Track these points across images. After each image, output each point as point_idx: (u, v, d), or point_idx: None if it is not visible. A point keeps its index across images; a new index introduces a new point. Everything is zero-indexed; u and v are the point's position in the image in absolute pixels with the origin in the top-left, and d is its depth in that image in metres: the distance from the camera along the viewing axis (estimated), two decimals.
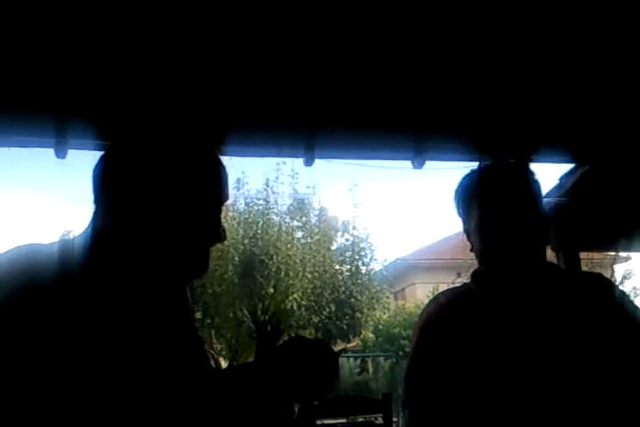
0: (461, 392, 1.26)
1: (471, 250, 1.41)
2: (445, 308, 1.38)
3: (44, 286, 0.88)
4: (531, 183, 1.39)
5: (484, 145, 2.36)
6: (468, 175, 1.42)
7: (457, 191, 1.42)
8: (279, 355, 0.98)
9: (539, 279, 1.32)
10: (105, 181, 0.97)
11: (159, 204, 0.95)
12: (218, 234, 1.02)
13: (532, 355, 1.25)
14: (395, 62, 2.23)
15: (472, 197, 1.37)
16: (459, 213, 1.42)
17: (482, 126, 2.39)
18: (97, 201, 0.98)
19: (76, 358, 0.86)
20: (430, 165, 2.52)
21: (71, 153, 2.27)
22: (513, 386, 1.23)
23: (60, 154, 2.24)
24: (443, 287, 2.06)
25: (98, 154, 1.01)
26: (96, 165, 0.99)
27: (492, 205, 1.33)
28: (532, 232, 1.32)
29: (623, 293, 1.40)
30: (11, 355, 0.85)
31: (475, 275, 1.43)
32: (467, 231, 1.42)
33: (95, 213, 0.98)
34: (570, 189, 2.61)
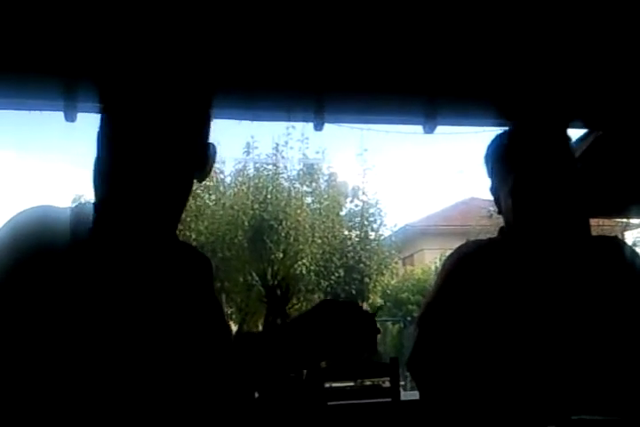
0: (474, 339, 1.28)
1: (499, 213, 1.40)
2: (468, 257, 1.39)
3: (55, 251, 0.88)
4: (566, 145, 1.37)
5: (497, 109, 2.32)
6: (500, 136, 1.40)
7: (489, 153, 1.40)
8: (313, 317, 0.97)
9: (565, 239, 1.32)
10: (100, 137, 0.96)
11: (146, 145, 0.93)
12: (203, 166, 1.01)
13: (548, 310, 1.27)
14: (405, 23, 2.18)
15: (507, 159, 1.35)
16: (490, 175, 1.41)
17: (495, 90, 2.35)
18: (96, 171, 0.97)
19: (81, 324, 0.87)
20: (441, 129, 2.49)
21: (81, 116, 2.26)
22: (526, 337, 1.25)
23: (70, 117, 2.23)
24: None
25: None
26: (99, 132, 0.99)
27: (530, 168, 1.31)
28: (569, 195, 1.32)
29: (636, 254, 1.41)
30: (18, 317, 0.85)
31: (502, 230, 1.43)
32: (496, 194, 1.40)
33: (95, 182, 0.97)
34: (581, 154, 2.59)
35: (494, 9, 2.15)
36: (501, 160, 1.37)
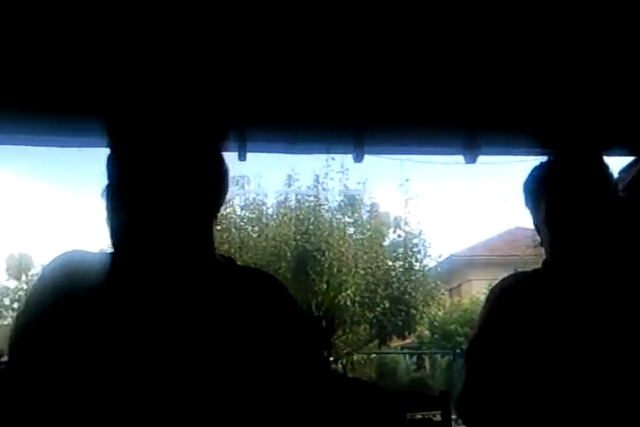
0: (520, 376, 1.27)
1: (541, 244, 1.39)
2: (510, 290, 1.39)
3: (81, 296, 0.93)
4: (604, 174, 1.37)
5: (539, 139, 2.29)
6: (537, 167, 1.41)
7: (526, 183, 1.41)
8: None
9: (607, 268, 1.31)
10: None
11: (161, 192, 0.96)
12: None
13: (593, 339, 1.25)
14: (444, 55, 2.19)
15: (542, 189, 1.36)
16: (527, 205, 1.41)
17: (535, 118, 2.33)
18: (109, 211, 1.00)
19: (118, 356, 0.90)
20: (483, 159, 2.46)
21: None
22: (570, 371, 1.24)
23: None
24: None
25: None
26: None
27: (563, 196, 1.32)
28: (605, 224, 1.31)
29: None
30: (47, 353, 0.90)
31: (545, 263, 1.42)
32: (535, 225, 1.41)
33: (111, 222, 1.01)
34: (629, 183, 2.52)
35: (533, 39, 2.15)
36: (536, 190, 1.38)
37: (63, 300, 0.92)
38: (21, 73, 2.05)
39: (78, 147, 2.43)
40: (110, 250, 0.99)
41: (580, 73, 2.24)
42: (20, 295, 15.63)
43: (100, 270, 0.97)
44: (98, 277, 0.96)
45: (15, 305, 15.74)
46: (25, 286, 15.60)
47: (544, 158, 1.48)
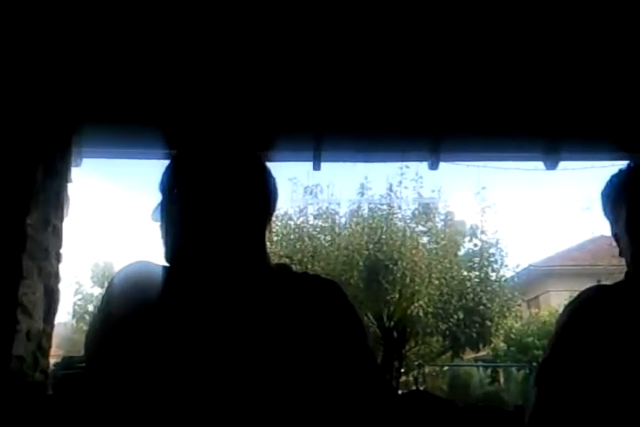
0: (596, 385, 1.20)
1: (620, 254, 1.34)
2: (587, 305, 1.31)
3: (146, 305, 0.97)
4: None
5: (622, 143, 2.20)
6: (617, 174, 1.36)
7: (605, 191, 1.36)
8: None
9: None
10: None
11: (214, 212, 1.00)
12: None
13: None
14: (522, 60, 2.15)
15: (621, 196, 1.30)
16: (606, 214, 1.36)
17: (618, 122, 2.23)
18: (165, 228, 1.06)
19: (182, 363, 0.93)
20: (563, 165, 2.39)
21: None
22: None
23: None
24: None
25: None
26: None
27: None
28: None
29: None
30: (119, 360, 0.94)
31: (628, 275, 1.35)
32: (615, 234, 1.35)
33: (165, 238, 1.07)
34: None
35: (608, 44, 2.08)
36: (616, 197, 1.32)
37: (131, 309, 0.97)
38: (112, 88, 2.16)
39: (161, 159, 2.53)
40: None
41: None
42: None
43: (162, 280, 1.02)
44: (161, 286, 1.00)
45: None
46: None
47: (625, 164, 1.41)
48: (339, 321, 1.06)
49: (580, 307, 1.31)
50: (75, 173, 2.38)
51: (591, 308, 1.29)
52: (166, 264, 1.08)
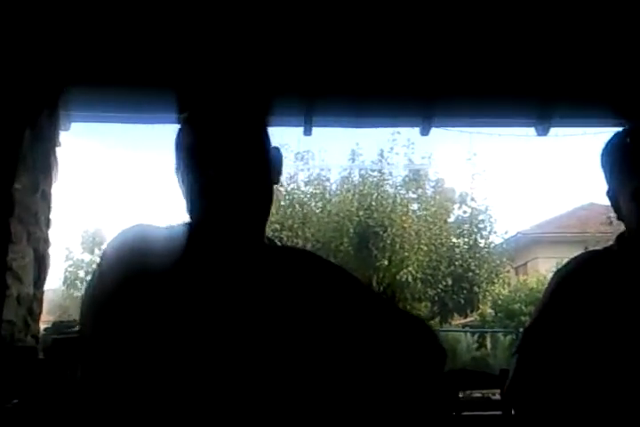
0: (580, 355, 1.19)
1: (618, 218, 1.29)
2: (576, 273, 1.29)
3: (155, 266, 0.93)
4: None
5: (615, 108, 2.18)
6: (620, 133, 1.30)
7: (606, 151, 1.30)
8: None
9: None
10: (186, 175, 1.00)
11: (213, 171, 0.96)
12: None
13: None
14: (513, 25, 2.11)
15: (627, 157, 1.25)
16: (607, 175, 1.30)
17: (613, 87, 2.22)
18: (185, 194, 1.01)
19: (184, 333, 0.89)
20: (555, 131, 2.38)
21: None
22: (633, 362, 1.15)
23: None
24: None
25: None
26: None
27: None
28: None
29: None
30: (122, 331, 0.90)
31: (619, 238, 1.32)
32: (614, 197, 1.30)
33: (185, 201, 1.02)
34: None
35: (602, 9, 2.05)
36: (622, 160, 1.26)
37: (130, 276, 0.93)
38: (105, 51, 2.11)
39: (154, 123, 2.50)
40: (180, 223, 1.01)
41: None
42: (93, 268, 16.40)
43: (166, 245, 0.97)
44: (164, 252, 0.96)
45: (89, 278, 16.51)
46: (98, 260, 16.33)
47: (618, 129, 1.37)
48: (345, 290, 1.04)
49: (568, 275, 1.29)
50: (63, 136, 2.35)
51: (579, 276, 1.27)
52: (170, 225, 1.05)
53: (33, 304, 2.17)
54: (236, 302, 0.94)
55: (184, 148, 1.00)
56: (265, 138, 1.02)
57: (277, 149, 1.05)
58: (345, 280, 1.06)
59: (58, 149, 2.30)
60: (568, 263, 1.33)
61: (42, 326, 2.33)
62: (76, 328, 2.33)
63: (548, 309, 1.27)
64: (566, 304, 1.24)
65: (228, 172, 0.96)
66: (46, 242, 2.26)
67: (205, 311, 0.91)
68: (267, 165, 1.01)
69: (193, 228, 1.00)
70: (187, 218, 1.02)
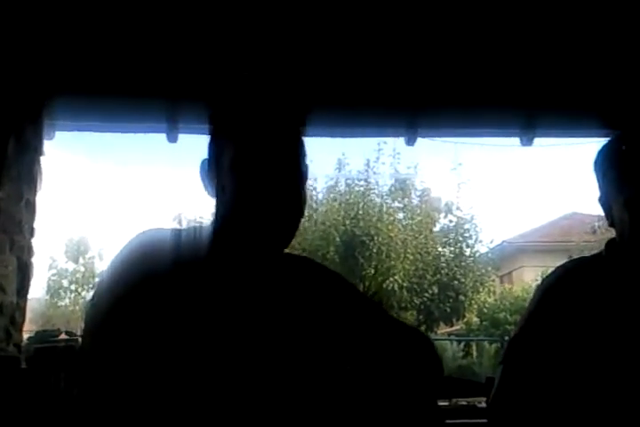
0: (566, 364, 1.18)
1: (610, 225, 1.28)
2: (562, 281, 1.27)
3: (164, 276, 0.90)
4: None
5: (601, 118, 2.21)
6: (615, 139, 1.29)
7: (599, 157, 1.29)
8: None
9: None
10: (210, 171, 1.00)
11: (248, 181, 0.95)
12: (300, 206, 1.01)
13: None
14: (498, 36, 2.14)
15: (621, 163, 1.24)
16: (600, 182, 1.29)
17: (597, 98, 2.25)
18: (215, 194, 0.99)
19: (199, 341, 0.87)
20: (540, 141, 2.40)
21: (182, 137, 2.37)
22: (622, 374, 1.14)
23: (172, 138, 2.35)
24: None
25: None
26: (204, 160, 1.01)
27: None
28: None
29: None
30: (130, 340, 0.88)
31: (609, 244, 1.30)
32: (607, 203, 1.28)
33: (216, 205, 1.00)
34: None
35: (590, 18, 2.08)
36: (616, 168, 1.25)
37: (141, 282, 0.90)
38: (87, 59, 2.11)
39: (142, 132, 2.49)
40: (197, 225, 0.98)
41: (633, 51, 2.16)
42: (77, 277, 16.22)
43: (179, 249, 0.95)
44: (178, 257, 0.93)
45: (73, 287, 16.33)
46: (82, 269, 16.17)
47: (607, 139, 1.37)
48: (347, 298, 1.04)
49: (554, 284, 1.28)
50: (48, 146, 2.33)
51: (565, 285, 1.25)
52: (183, 228, 1.03)
53: (16, 313, 2.15)
54: (248, 310, 0.93)
55: (225, 154, 0.98)
56: (302, 150, 1.02)
57: (307, 165, 1.04)
58: (345, 288, 1.06)
59: (42, 158, 2.29)
60: (554, 272, 1.32)
61: (24, 336, 2.31)
62: (60, 337, 2.31)
63: (534, 318, 1.26)
64: (552, 313, 1.23)
65: (269, 179, 0.95)
66: (30, 251, 2.24)
67: (218, 320, 0.90)
68: (302, 177, 1.00)
69: (217, 231, 0.98)
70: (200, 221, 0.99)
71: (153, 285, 0.90)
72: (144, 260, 0.92)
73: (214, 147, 1.01)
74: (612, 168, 1.27)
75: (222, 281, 0.94)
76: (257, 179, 0.95)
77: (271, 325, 0.93)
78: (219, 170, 0.98)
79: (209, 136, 1.03)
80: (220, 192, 0.98)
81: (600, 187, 1.30)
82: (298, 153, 1.00)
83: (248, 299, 0.94)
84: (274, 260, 1.00)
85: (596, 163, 1.31)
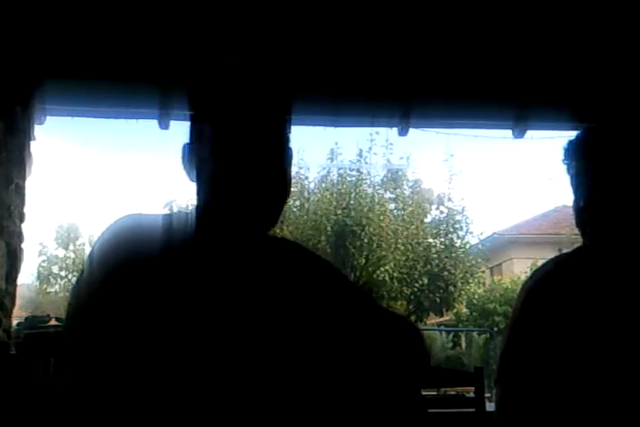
0: (561, 373, 1.14)
1: (577, 225, 1.26)
2: (547, 277, 1.25)
3: (152, 257, 0.90)
4: None
5: (590, 113, 2.22)
6: (576, 138, 1.28)
7: (566, 151, 1.28)
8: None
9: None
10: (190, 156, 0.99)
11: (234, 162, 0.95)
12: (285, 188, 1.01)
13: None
14: (492, 27, 2.13)
15: (581, 158, 1.23)
16: (570, 181, 1.27)
17: (587, 92, 2.25)
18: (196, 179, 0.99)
19: (184, 326, 0.87)
20: (532, 133, 2.41)
21: (174, 124, 2.36)
22: (618, 376, 1.11)
23: (164, 125, 2.34)
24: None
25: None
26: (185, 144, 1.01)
27: (607, 164, 1.19)
28: None
29: None
30: (112, 324, 0.87)
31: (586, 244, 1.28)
32: (576, 203, 1.26)
33: (197, 190, 0.99)
34: None
35: (583, 16, 2.08)
36: (577, 160, 1.24)
37: (125, 266, 0.89)
38: (77, 43, 2.08)
39: (134, 118, 2.47)
40: (179, 211, 0.98)
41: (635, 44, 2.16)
42: (67, 264, 16.18)
43: (164, 233, 0.95)
44: (161, 241, 0.93)
45: (63, 273, 16.30)
46: (72, 255, 16.13)
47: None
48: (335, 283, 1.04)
49: (535, 288, 1.24)
50: (38, 131, 2.31)
51: (546, 287, 1.22)
52: (165, 213, 1.02)
53: (5, 299, 2.14)
54: (232, 294, 0.92)
55: (204, 138, 0.97)
56: (284, 133, 1.01)
57: (290, 148, 1.03)
58: (333, 275, 1.05)
59: (32, 143, 2.27)
60: (532, 275, 1.29)
61: (14, 322, 2.30)
62: (50, 323, 2.31)
63: (520, 327, 1.22)
64: (537, 320, 1.19)
65: (249, 163, 0.94)
66: (19, 236, 2.23)
67: (201, 303, 0.89)
68: (285, 159, 0.99)
69: (199, 216, 0.97)
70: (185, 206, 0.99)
71: (137, 268, 0.89)
72: (127, 243, 0.91)
73: (195, 131, 1.01)
74: (577, 161, 1.25)
75: (206, 265, 0.93)
76: (238, 161, 0.94)
77: (257, 310, 0.92)
78: (200, 154, 0.97)
79: (189, 120, 1.02)
80: (202, 176, 0.97)
81: (570, 184, 1.27)
82: (280, 136, 0.99)
83: (233, 283, 0.93)
84: (259, 242, 0.99)
85: (564, 158, 1.29)
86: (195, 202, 1.00)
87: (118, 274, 0.90)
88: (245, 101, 0.98)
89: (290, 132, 1.02)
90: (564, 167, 1.29)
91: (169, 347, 0.86)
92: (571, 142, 1.29)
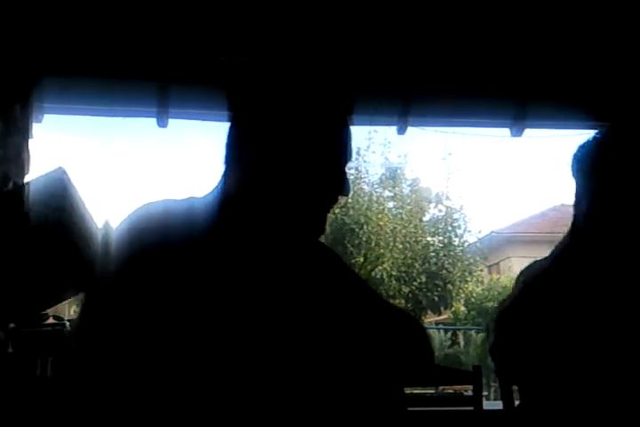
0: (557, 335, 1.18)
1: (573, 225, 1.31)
2: (531, 285, 1.29)
3: (174, 245, 0.89)
4: None
5: (589, 111, 2.22)
6: (586, 144, 1.28)
7: (573, 158, 1.29)
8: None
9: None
10: (238, 143, 0.97)
11: (288, 163, 0.94)
12: (338, 192, 1.01)
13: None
14: (493, 24, 2.13)
15: (590, 168, 1.24)
16: (576, 182, 1.30)
17: (587, 90, 2.25)
18: (228, 162, 0.97)
19: (206, 314, 0.87)
20: (530, 132, 2.41)
21: (172, 122, 2.36)
22: (613, 333, 1.15)
23: (162, 123, 2.33)
24: None
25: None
26: (230, 127, 0.98)
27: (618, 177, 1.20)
28: None
29: None
30: (137, 310, 0.87)
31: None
32: (577, 207, 1.30)
33: (225, 174, 0.97)
34: None
35: (584, 10, 2.08)
36: (583, 171, 1.26)
37: (147, 252, 0.88)
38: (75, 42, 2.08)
39: (132, 116, 2.47)
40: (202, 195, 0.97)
41: (635, 42, 2.16)
42: None
43: (188, 220, 0.93)
44: (187, 227, 0.92)
45: None
46: None
47: (595, 131, 1.37)
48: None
49: (519, 296, 1.28)
50: (36, 129, 2.31)
51: (542, 278, 1.26)
52: (191, 197, 1.00)
53: None
54: (245, 287, 0.91)
55: (259, 134, 0.95)
56: (347, 138, 1.01)
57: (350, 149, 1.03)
58: (343, 270, 1.07)
59: (30, 141, 2.26)
60: (525, 269, 1.34)
61: None
62: (48, 322, 2.31)
63: (522, 294, 1.26)
64: (538, 293, 1.23)
65: (310, 167, 0.95)
66: None
67: (215, 297, 0.88)
68: (343, 166, 1.01)
69: (230, 200, 0.95)
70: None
71: (158, 256, 0.88)
72: (153, 230, 0.90)
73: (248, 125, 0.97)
74: (584, 170, 1.27)
75: (227, 256, 0.92)
76: (298, 163, 0.94)
77: (266, 304, 0.91)
78: (255, 139, 0.95)
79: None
80: (251, 165, 0.95)
81: (576, 189, 1.30)
82: (342, 141, 1.00)
83: (252, 277, 0.93)
84: (287, 237, 0.97)
85: (572, 162, 1.30)
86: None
87: (145, 257, 0.89)
88: (309, 101, 0.98)
89: (351, 136, 1.02)
90: (570, 171, 1.31)
91: (181, 339, 0.86)
92: (581, 149, 1.29)
